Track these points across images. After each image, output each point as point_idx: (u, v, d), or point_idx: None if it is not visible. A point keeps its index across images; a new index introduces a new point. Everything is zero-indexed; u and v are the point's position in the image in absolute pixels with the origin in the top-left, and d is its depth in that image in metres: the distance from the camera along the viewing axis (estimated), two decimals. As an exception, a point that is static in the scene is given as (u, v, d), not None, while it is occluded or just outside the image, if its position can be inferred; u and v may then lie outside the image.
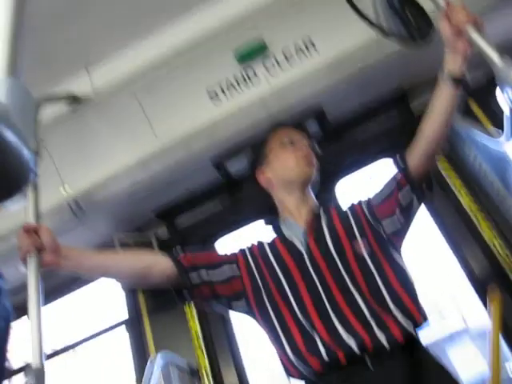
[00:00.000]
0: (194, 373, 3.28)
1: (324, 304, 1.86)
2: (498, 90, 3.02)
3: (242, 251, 2.13)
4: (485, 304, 2.84)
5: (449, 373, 1.79)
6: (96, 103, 3.22)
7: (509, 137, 2.26)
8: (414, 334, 1.79)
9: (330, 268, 1.91)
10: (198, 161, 3.27)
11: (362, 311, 1.81)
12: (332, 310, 1.84)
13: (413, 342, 1.80)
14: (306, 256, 1.96)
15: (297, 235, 2.04)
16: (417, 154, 1.92)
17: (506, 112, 2.48)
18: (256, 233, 2.28)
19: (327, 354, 1.78)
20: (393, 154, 2.05)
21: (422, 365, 1.75)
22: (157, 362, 2.90)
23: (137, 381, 3.40)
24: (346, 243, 1.95)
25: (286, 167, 2.19)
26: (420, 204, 2.01)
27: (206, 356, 3.34)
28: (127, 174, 3.20)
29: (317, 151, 2.30)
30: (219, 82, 3.13)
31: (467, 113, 3.07)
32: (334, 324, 1.81)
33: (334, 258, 1.92)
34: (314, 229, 2.03)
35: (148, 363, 2.84)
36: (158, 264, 2.02)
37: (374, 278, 1.87)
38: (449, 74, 1.80)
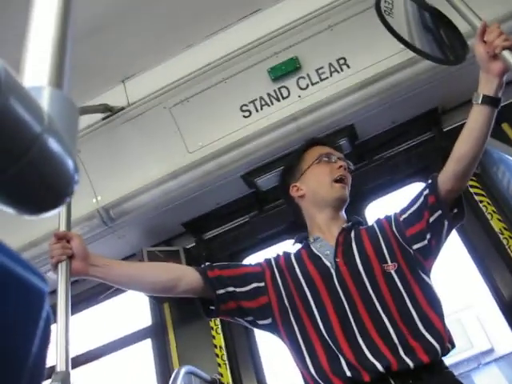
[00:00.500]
0: (218, 387, 3.28)
1: (350, 324, 1.84)
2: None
3: (268, 262, 2.13)
4: (513, 329, 2.81)
5: None
6: (130, 116, 3.28)
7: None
8: (440, 356, 1.77)
9: (359, 289, 1.89)
10: (228, 175, 3.30)
11: (389, 333, 1.79)
12: (358, 330, 1.82)
13: (439, 364, 1.78)
14: (334, 274, 1.94)
15: (325, 253, 2.03)
16: (449, 175, 1.90)
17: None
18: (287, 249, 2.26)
19: (352, 374, 1.76)
20: (425, 177, 2.04)
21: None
22: (180, 375, 2.90)
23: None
24: (376, 265, 1.93)
25: (321, 184, 2.17)
26: (451, 229, 1.99)
27: (228, 370, 3.33)
28: (158, 185, 3.24)
29: (351, 171, 2.30)
30: (253, 100, 3.17)
31: (501, 137, 3.03)
32: (359, 345, 1.79)
33: (362, 278, 1.91)
34: (344, 248, 2.02)
35: (172, 376, 2.84)
36: (185, 276, 2.03)
37: (404, 299, 1.85)
38: (483, 95, 1.79)
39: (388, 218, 2.09)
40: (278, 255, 2.14)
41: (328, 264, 1.98)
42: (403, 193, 3.53)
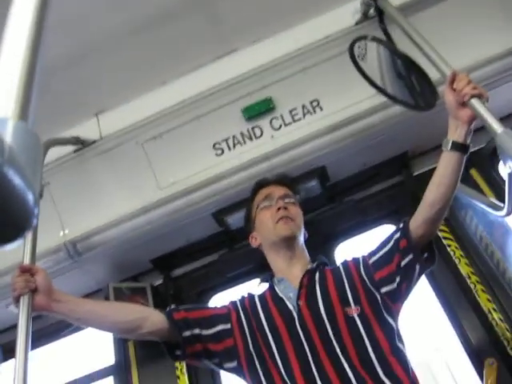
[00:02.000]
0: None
1: (311, 369, 1.82)
2: (500, 162, 3.04)
3: (234, 304, 2.12)
4: (480, 375, 2.79)
5: None
6: (102, 149, 3.27)
7: (510, 210, 2.26)
8: None
9: (320, 333, 1.88)
10: (199, 212, 3.27)
11: (349, 379, 1.77)
12: (319, 376, 1.81)
13: None
14: (296, 319, 1.93)
15: (289, 295, 2.02)
16: (421, 221, 1.92)
17: (508, 184, 2.49)
18: (252, 290, 2.25)
19: None
20: (395, 220, 2.06)
21: None
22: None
23: None
24: (338, 309, 1.93)
25: (267, 230, 2.20)
26: (422, 273, 2.00)
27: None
28: (127, 220, 3.21)
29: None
30: (226, 138, 3.18)
31: (469, 183, 3.08)
32: None
33: (324, 323, 1.90)
34: (307, 291, 2.01)
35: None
36: (150, 317, 2.01)
37: (364, 344, 1.84)
38: (452, 142, 1.83)
39: (355, 261, 2.10)
40: (243, 297, 2.14)
41: (291, 307, 1.98)
42: (373, 234, 3.54)
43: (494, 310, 2.88)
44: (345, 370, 1.79)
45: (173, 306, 2.09)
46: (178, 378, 3.32)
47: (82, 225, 3.23)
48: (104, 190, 3.26)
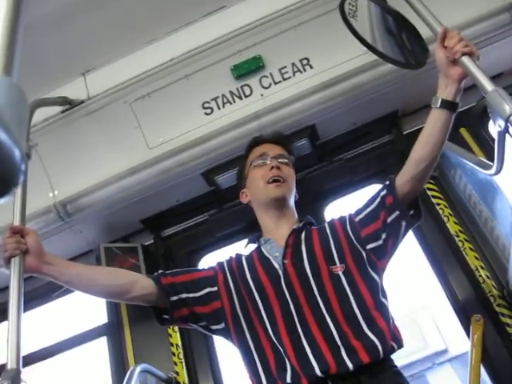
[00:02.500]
0: (173, 386, 3.25)
1: (296, 327, 1.84)
2: (490, 121, 3.04)
3: (221, 266, 2.13)
4: (467, 331, 2.85)
5: None
6: (90, 109, 3.23)
7: (499, 168, 2.26)
8: (384, 357, 1.78)
9: (305, 291, 1.90)
10: (189, 172, 3.27)
11: (332, 335, 1.80)
12: (303, 333, 1.83)
13: (382, 363, 1.78)
14: (282, 277, 1.95)
15: (275, 254, 2.03)
16: (407, 178, 1.93)
17: (497, 143, 2.49)
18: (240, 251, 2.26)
19: (291, 378, 1.77)
20: (384, 179, 2.06)
21: None
22: (136, 374, 2.86)
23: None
24: (323, 267, 1.94)
25: (257, 189, 2.20)
26: (408, 230, 2.01)
27: (185, 369, 3.30)
28: (117, 181, 3.20)
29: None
30: (215, 97, 3.16)
31: (459, 142, 3.08)
32: (303, 348, 1.80)
33: (309, 281, 1.91)
34: (293, 249, 2.02)
35: (127, 374, 2.80)
36: (139, 282, 2.03)
37: (349, 301, 1.86)
38: (441, 99, 1.82)
39: (342, 219, 2.11)
40: (231, 258, 2.15)
41: (276, 266, 1.99)
42: (362, 194, 3.55)
43: (482, 267, 2.92)
44: (328, 326, 1.81)
45: (160, 271, 2.10)
46: (170, 335, 3.36)
47: (71, 186, 3.23)
48: (93, 150, 3.24)
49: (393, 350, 1.82)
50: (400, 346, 1.85)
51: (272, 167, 2.17)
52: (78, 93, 3.27)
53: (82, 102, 3.24)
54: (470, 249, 2.99)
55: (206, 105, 3.16)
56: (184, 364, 3.32)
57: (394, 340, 1.82)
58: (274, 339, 1.86)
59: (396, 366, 1.85)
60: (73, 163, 3.24)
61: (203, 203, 3.63)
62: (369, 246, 1.98)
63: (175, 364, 3.30)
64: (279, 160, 2.22)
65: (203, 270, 2.19)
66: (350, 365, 1.72)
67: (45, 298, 3.74)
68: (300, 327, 1.83)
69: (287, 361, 1.79)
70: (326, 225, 2.13)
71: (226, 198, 3.54)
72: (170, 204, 3.57)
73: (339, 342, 1.77)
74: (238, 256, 2.15)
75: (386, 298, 1.94)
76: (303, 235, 2.08)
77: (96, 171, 3.21)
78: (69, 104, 3.22)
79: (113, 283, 2.00)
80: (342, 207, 3.56)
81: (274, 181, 2.14)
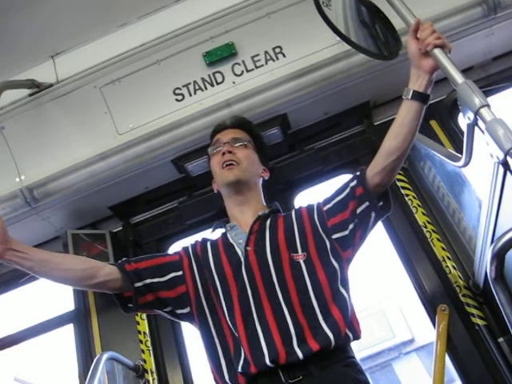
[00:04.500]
0: (140, 373, 3.23)
1: (252, 314, 1.84)
2: (460, 114, 3.07)
3: (186, 251, 2.12)
4: (433, 321, 2.89)
5: None
6: (59, 93, 3.18)
7: (467, 161, 2.29)
8: (336, 347, 1.77)
9: (264, 278, 1.89)
10: (159, 159, 3.24)
11: (286, 324, 1.80)
12: (258, 321, 1.83)
13: (335, 356, 1.78)
14: (243, 264, 1.95)
15: (239, 241, 2.03)
16: (378, 169, 1.93)
17: (466, 135, 2.52)
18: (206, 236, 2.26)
19: (242, 366, 1.77)
20: (354, 169, 2.06)
21: (339, 381, 1.74)
22: (102, 361, 2.84)
23: (80, 378, 3.33)
24: (284, 254, 1.94)
25: (215, 175, 2.21)
26: (377, 221, 2.02)
27: (152, 357, 3.29)
28: (85, 166, 3.16)
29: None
30: (187, 84, 3.13)
31: (429, 134, 3.11)
32: (257, 335, 1.80)
33: (269, 269, 1.91)
34: (256, 237, 2.02)
35: (94, 362, 2.79)
36: (104, 267, 2.02)
37: (307, 290, 1.86)
38: (412, 90, 1.83)
39: (309, 208, 2.11)
40: (196, 242, 2.15)
41: (239, 253, 1.99)
42: (332, 184, 3.56)
43: (448, 258, 2.96)
44: (284, 315, 1.81)
45: (124, 259, 2.09)
46: (138, 323, 3.35)
47: (38, 171, 3.17)
48: (61, 135, 3.18)
49: (347, 340, 1.82)
50: (356, 336, 1.86)
51: (223, 153, 2.17)
52: (47, 76, 3.21)
53: (51, 85, 3.18)
54: (438, 240, 3.02)
55: (178, 91, 3.13)
56: (151, 352, 3.31)
57: (350, 330, 1.83)
58: (231, 326, 1.86)
59: (352, 357, 1.86)
60: (40, 148, 3.19)
61: (173, 190, 3.61)
62: (334, 236, 1.98)
63: (142, 352, 3.28)
64: (235, 144, 2.21)
65: (168, 255, 2.18)
66: (299, 354, 1.73)
67: (10, 284, 3.69)
68: (256, 315, 1.83)
69: (242, 348, 1.80)
70: (293, 212, 2.13)
71: (196, 185, 3.53)
72: (140, 191, 3.53)
73: (292, 332, 1.78)
74: (204, 241, 2.14)
75: (346, 288, 1.94)
76: (268, 222, 2.07)
77: (64, 156, 3.16)
78: (37, 87, 3.16)
79: (77, 268, 1.98)
80: (313, 196, 3.57)
81: (227, 165, 2.14)
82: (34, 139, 3.18)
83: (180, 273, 2.04)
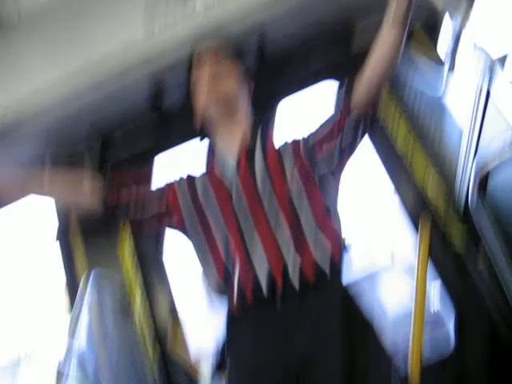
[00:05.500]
0: (127, 289, 3.29)
1: (245, 243, 1.86)
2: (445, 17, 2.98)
3: (170, 186, 2.10)
4: (415, 230, 2.93)
5: (362, 314, 1.82)
6: (23, 18, 3.03)
7: (451, 66, 2.25)
8: (330, 275, 1.80)
9: (256, 206, 1.90)
10: (133, 74, 3.10)
11: (280, 252, 1.82)
12: (252, 249, 1.85)
13: (329, 282, 1.81)
14: (233, 191, 1.94)
15: (227, 170, 2.01)
16: (361, 91, 1.91)
17: (451, 40, 2.45)
18: (193, 153, 2.24)
19: (237, 294, 1.81)
20: (336, 75, 2.01)
21: (334, 305, 1.78)
22: (90, 279, 2.88)
23: (69, 296, 3.38)
24: (276, 181, 1.93)
25: (200, 105, 2.14)
26: (362, 138, 2.00)
27: (139, 272, 3.34)
28: (57, 89, 3.03)
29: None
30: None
31: (413, 39, 3.02)
32: (252, 264, 1.82)
33: (259, 197, 1.91)
34: (246, 166, 2.00)
35: (81, 280, 2.82)
36: (84, 200, 2.01)
37: (299, 218, 1.87)
38: (393, 14, 1.77)
39: (296, 140, 2.09)
40: (182, 178, 2.13)
41: (228, 182, 1.97)
42: (315, 90, 3.53)
43: (431, 172, 2.97)
44: (277, 243, 1.83)
45: (107, 191, 2.06)
46: (122, 240, 3.37)
47: (7, 96, 3.04)
48: (28, 57, 3.04)
49: (340, 264, 1.84)
50: (347, 262, 1.88)
51: (209, 89, 2.10)
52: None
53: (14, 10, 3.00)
54: (420, 160, 3.02)
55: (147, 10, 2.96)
56: (137, 266, 3.35)
57: (342, 254, 1.85)
58: (223, 254, 1.87)
59: (346, 281, 1.88)
60: (5, 74, 3.06)
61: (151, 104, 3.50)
62: (323, 163, 1.97)
63: (128, 268, 3.33)
64: (218, 60, 2.15)
65: (151, 190, 2.16)
66: (295, 283, 1.75)
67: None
68: (249, 243, 1.84)
69: (236, 276, 1.82)
70: (282, 143, 2.10)
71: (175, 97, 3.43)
72: (117, 109, 3.41)
73: (287, 259, 1.79)
74: (191, 177, 2.12)
75: (337, 214, 1.95)
76: (257, 148, 2.05)
77: (33, 80, 3.02)
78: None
79: (62, 200, 2.01)
80: (295, 104, 3.57)
81: (214, 82, 2.08)
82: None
83: (163, 209, 2.03)
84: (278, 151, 2.05)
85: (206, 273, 1.93)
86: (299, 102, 3.61)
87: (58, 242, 3.56)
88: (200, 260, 1.96)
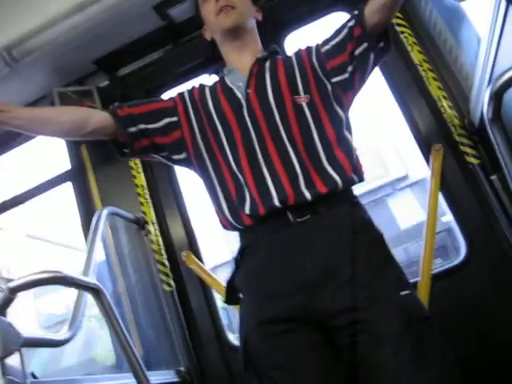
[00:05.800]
0: (142, 225, 3.32)
1: (257, 156, 1.82)
2: None
3: (181, 96, 2.07)
4: (427, 159, 2.91)
5: (374, 229, 1.81)
6: None
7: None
8: (342, 189, 1.78)
9: (267, 120, 1.86)
10: (139, 5, 3.04)
11: (293, 166, 1.79)
12: (264, 162, 1.81)
13: (340, 195, 1.79)
14: (244, 107, 1.90)
15: (238, 84, 1.97)
16: (375, 7, 1.81)
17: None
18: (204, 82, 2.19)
19: (250, 208, 1.79)
20: (346, 6, 1.94)
21: (345, 220, 1.75)
22: (103, 216, 2.89)
23: (84, 233, 3.41)
24: (287, 97, 1.89)
25: (209, 22, 2.09)
26: (377, 63, 1.94)
27: (151, 208, 3.36)
28: (63, 19, 2.97)
29: None
30: None
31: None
32: (264, 177, 1.80)
33: (272, 111, 1.87)
34: (256, 79, 1.96)
35: (94, 217, 2.84)
36: (94, 115, 2.00)
37: (311, 133, 1.83)
38: None
39: (308, 49, 2.03)
40: (193, 88, 2.09)
41: (239, 95, 1.94)
42: (324, 23, 3.40)
43: (444, 97, 2.89)
44: (289, 156, 1.80)
45: (116, 104, 2.03)
46: (135, 177, 3.38)
47: (15, 29, 2.99)
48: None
49: (353, 183, 1.83)
50: (361, 179, 1.86)
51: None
52: None
53: None
54: (433, 79, 2.93)
55: None
56: (150, 203, 3.37)
57: (354, 173, 1.82)
58: (235, 168, 1.85)
59: (356, 197, 1.87)
60: (13, 4, 2.99)
61: (157, 39, 3.43)
62: (334, 79, 1.92)
63: (141, 204, 3.35)
64: None
65: (162, 100, 2.12)
66: (308, 195, 1.74)
67: (5, 146, 3.69)
68: (261, 156, 1.82)
69: (247, 190, 1.80)
70: (293, 55, 2.05)
71: (181, 32, 3.37)
72: (123, 42, 3.35)
73: (299, 173, 1.77)
74: (202, 86, 2.08)
75: (350, 132, 1.92)
76: (268, 64, 2.01)
77: (40, 10, 2.96)
78: None
79: (67, 119, 1.97)
80: (303, 38, 3.43)
81: (222, 10, 2.02)
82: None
83: (175, 118, 2.00)
84: (290, 58, 2.01)
85: (219, 185, 1.91)
86: (307, 35, 3.46)
87: (71, 182, 3.59)
88: (212, 171, 1.93)
